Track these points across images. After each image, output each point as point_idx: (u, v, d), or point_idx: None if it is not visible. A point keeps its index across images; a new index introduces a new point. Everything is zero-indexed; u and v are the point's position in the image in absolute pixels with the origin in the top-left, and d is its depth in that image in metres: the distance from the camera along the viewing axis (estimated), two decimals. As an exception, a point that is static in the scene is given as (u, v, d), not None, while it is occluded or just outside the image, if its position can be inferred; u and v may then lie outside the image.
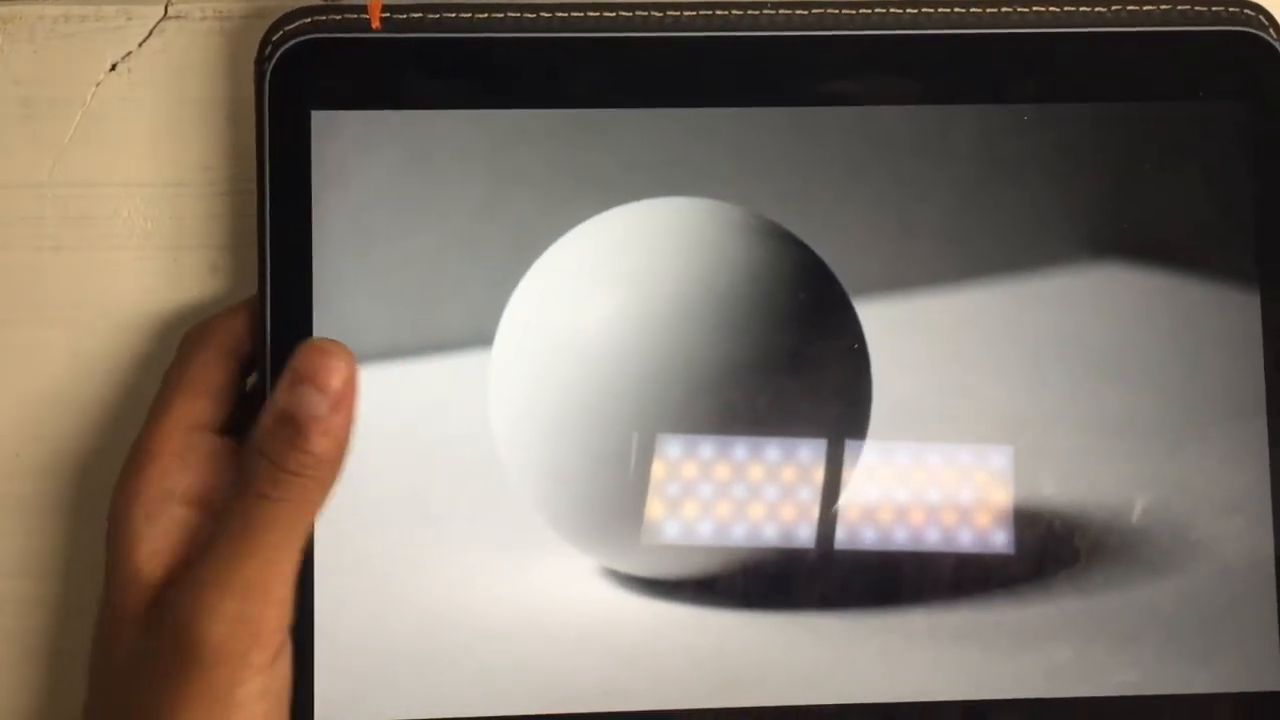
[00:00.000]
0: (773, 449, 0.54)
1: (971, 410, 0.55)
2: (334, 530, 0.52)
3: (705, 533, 0.54)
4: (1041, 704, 0.54)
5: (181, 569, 0.50)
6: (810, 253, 0.54)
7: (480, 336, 0.54)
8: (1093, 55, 0.55)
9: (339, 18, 0.53)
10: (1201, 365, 0.55)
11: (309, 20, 0.53)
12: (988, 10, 0.55)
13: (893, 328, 0.54)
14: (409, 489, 0.53)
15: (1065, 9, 0.55)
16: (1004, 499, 0.54)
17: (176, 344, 0.53)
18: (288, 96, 0.53)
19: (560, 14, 0.54)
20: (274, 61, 0.53)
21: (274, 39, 0.53)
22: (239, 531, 0.49)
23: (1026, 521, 0.54)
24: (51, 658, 0.55)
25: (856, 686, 0.53)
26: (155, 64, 0.55)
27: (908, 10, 0.54)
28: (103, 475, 0.53)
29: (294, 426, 0.49)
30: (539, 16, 0.54)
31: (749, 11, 0.54)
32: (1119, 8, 0.55)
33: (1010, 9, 0.55)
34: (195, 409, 0.52)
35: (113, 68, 0.55)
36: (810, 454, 0.54)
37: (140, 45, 0.55)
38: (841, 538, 0.54)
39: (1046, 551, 0.54)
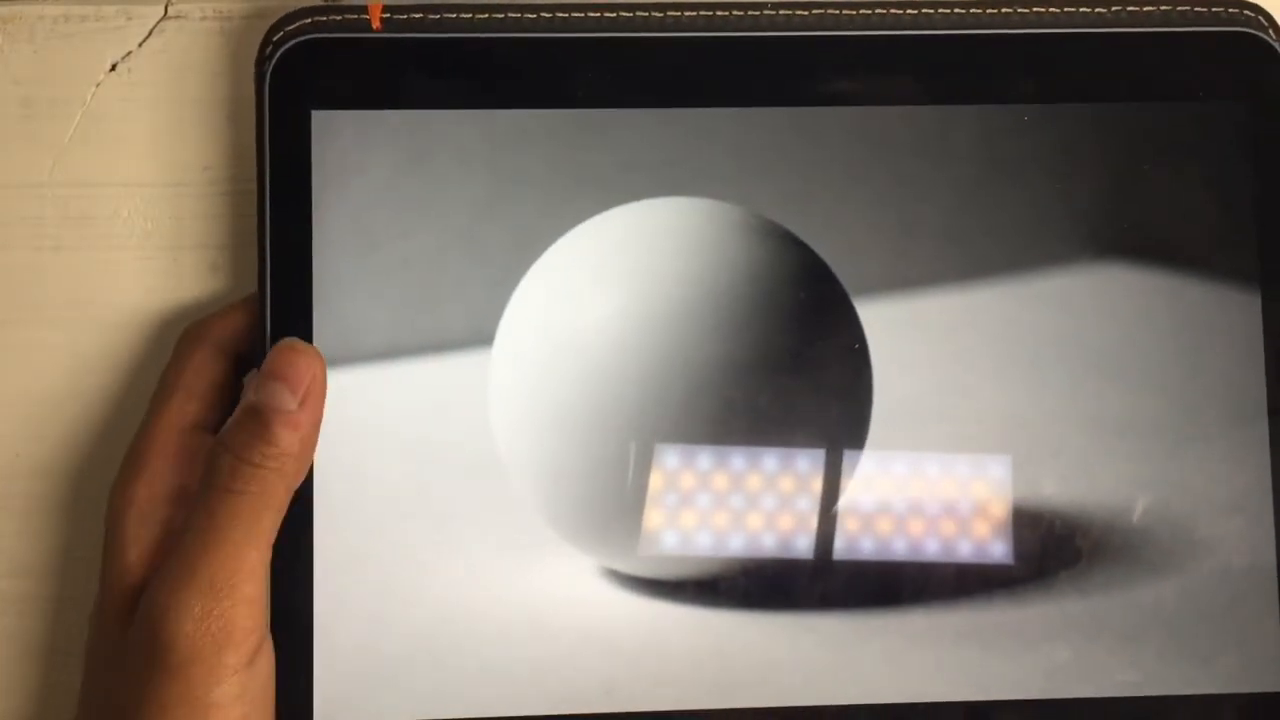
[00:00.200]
0: (770, 458, 0.54)
1: (971, 410, 0.54)
2: (334, 530, 0.52)
3: (704, 543, 0.54)
4: (1043, 705, 0.53)
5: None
6: (810, 253, 0.54)
7: (480, 336, 0.54)
8: (1093, 55, 0.55)
9: (339, 18, 0.53)
10: (1202, 365, 0.55)
11: (309, 20, 0.53)
12: (988, 10, 0.55)
13: (893, 328, 0.54)
14: (409, 489, 0.53)
15: (1065, 9, 0.55)
16: (1003, 506, 0.54)
17: (175, 343, 0.53)
18: (288, 96, 0.53)
19: (560, 14, 0.54)
20: (274, 61, 0.53)
21: (274, 39, 0.53)
22: (203, 527, 0.49)
23: (1027, 523, 0.54)
24: (51, 657, 0.55)
25: (858, 687, 0.53)
26: (155, 64, 0.55)
27: (908, 10, 0.54)
28: (102, 475, 0.53)
29: (260, 419, 0.50)
30: (539, 16, 0.54)
31: (749, 11, 0.54)
32: (1119, 8, 0.55)
33: (1010, 9, 0.55)
34: (190, 410, 0.52)
35: (113, 68, 0.55)
36: (808, 462, 0.54)
37: (140, 45, 0.55)
38: (841, 546, 0.54)
39: (1047, 552, 0.54)
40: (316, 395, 0.51)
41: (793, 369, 0.54)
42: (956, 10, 0.55)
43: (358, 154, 0.53)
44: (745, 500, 0.54)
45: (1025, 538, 0.54)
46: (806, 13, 0.54)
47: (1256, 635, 0.54)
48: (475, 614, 0.53)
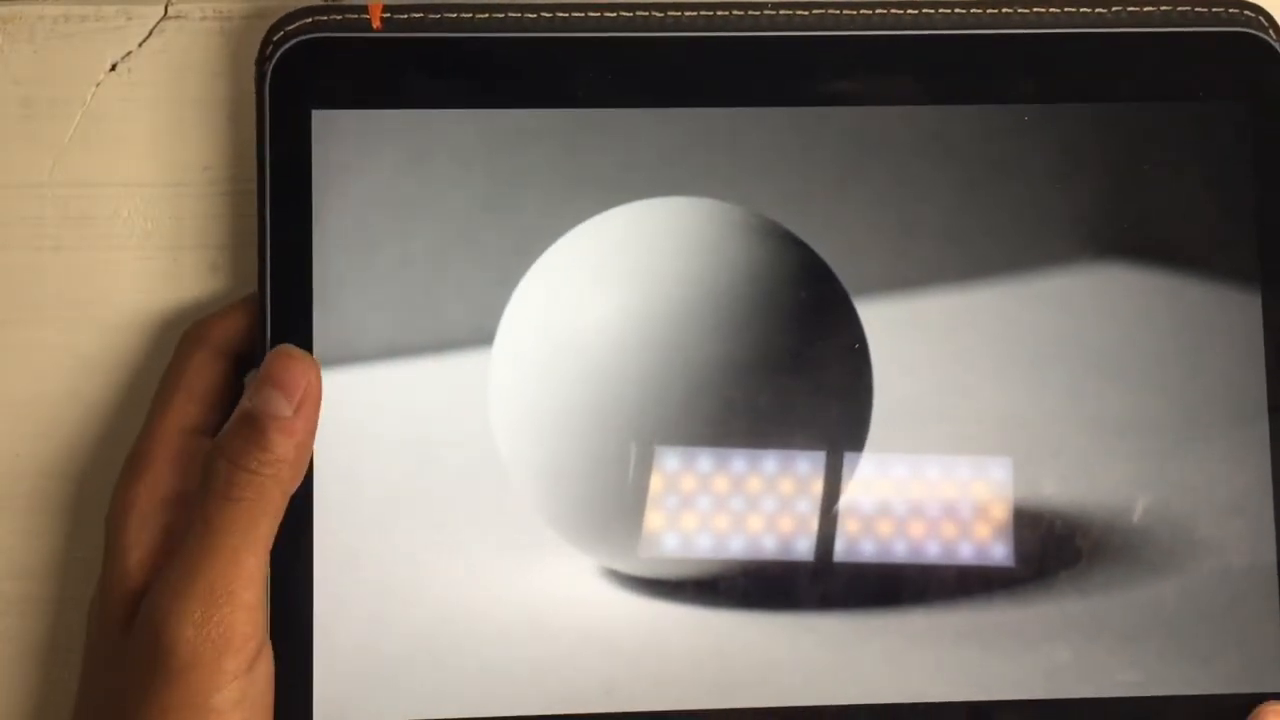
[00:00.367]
0: (770, 460, 0.54)
1: (972, 410, 0.54)
2: (334, 530, 0.52)
3: (704, 544, 0.54)
4: (1043, 705, 0.53)
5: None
6: (810, 252, 0.54)
7: (480, 336, 0.54)
8: (1093, 55, 0.55)
9: (339, 18, 0.53)
10: (1202, 366, 0.55)
11: (309, 20, 0.53)
12: (988, 10, 0.55)
13: (893, 327, 0.54)
14: (409, 489, 0.53)
15: (1065, 9, 0.55)
16: (1003, 508, 0.54)
17: (175, 344, 0.53)
18: (288, 96, 0.53)
19: (560, 14, 0.54)
20: (274, 61, 0.53)
21: (274, 39, 0.53)
22: (200, 535, 0.49)
23: (1027, 524, 0.54)
24: (51, 657, 0.55)
25: (858, 687, 0.53)
26: (155, 64, 0.55)
27: (908, 10, 0.54)
28: (102, 475, 0.53)
29: (255, 426, 0.50)
30: (539, 16, 0.54)
31: (749, 11, 0.54)
32: (1119, 8, 0.55)
33: (1010, 9, 0.55)
34: (191, 413, 0.52)
35: (113, 68, 0.55)
36: (808, 465, 0.54)
37: (140, 45, 0.55)
38: (841, 547, 0.54)
39: (1048, 552, 0.54)
40: (312, 401, 0.51)
41: (793, 369, 0.54)
42: (956, 10, 0.55)
43: (358, 154, 0.53)
44: (745, 502, 0.54)
45: (1025, 538, 0.54)
46: (806, 13, 0.54)
47: (1256, 635, 0.54)
48: (475, 614, 0.53)
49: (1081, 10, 0.55)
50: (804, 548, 0.54)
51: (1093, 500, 0.54)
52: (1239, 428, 0.54)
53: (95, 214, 0.55)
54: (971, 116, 0.55)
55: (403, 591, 0.53)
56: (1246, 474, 0.54)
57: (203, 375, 0.53)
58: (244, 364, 0.53)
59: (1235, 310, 0.55)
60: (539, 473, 0.53)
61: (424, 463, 0.53)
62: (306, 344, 0.52)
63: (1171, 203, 0.55)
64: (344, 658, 0.52)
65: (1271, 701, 0.53)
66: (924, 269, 0.55)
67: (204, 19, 0.55)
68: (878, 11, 0.54)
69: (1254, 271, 0.55)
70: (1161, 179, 0.55)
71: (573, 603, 0.53)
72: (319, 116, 0.53)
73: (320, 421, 0.52)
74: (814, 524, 0.54)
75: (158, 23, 0.55)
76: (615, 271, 0.54)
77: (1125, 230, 0.55)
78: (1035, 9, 0.55)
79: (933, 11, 0.54)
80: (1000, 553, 0.54)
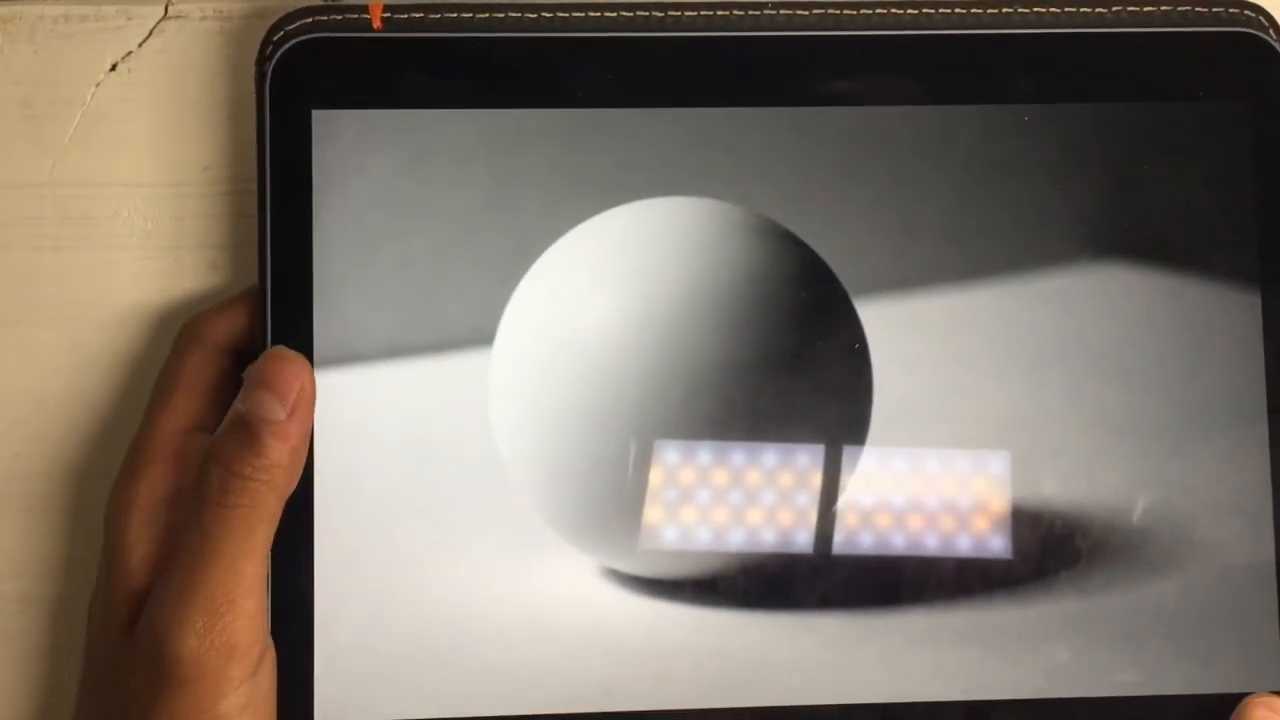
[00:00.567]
0: (770, 454, 0.54)
1: (971, 410, 0.54)
2: (334, 531, 0.52)
3: (704, 538, 0.54)
4: (1042, 704, 0.53)
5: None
6: (810, 252, 0.54)
7: (480, 336, 0.54)
8: (1093, 55, 0.55)
9: (339, 18, 0.53)
10: (1202, 366, 0.55)
11: (309, 20, 0.53)
12: (988, 10, 0.55)
13: (893, 327, 0.54)
14: (409, 489, 0.53)
15: (1065, 9, 0.55)
16: (1002, 503, 0.54)
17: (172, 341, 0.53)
18: (288, 96, 0.53)
19: (560, 14, 0.54)
20: (274, 61, 0.53)
21: (274, 39, 0.53)
22: (197, 543, 0.49)
23: (1026, 523, 0.54)
24: (51, 657, 0.55)
25: (857, 687, 0.53)
26: (155, 64, 0.55)
27: (908, 10, 0.54)
28: (103, 476, 0.53)
29: (248, 430, 0.49)
30: (539, 16, 0.54)
31: (749, 11, 0.54)
32: (1119, 8, 0.55)
33: (1010, 9, 0.55)
34: (190, 411, 0.52)
35: (113, 68, 0.55)
36: (808, 459, 0.54)
37: (140, 45, 0.55)
38: (841, 544, 0.54)
39: (1047, 552, 0.54)
40: (305, 404, 0.50)
41: (793, 369, 0.54)
42: (956, 10, 0.55)
43: (358, 154, 0.53)
44: (745, 496, 0.54)
45: (1025, 536, 0.54)
46: (806, 13, 0.54)
47: (1256, 635, 0.54)
48: (475, 614, 0.53)
49: (1081, 10, 0.55)
50: (803, 542, 0.54)
51: (1092, 500, 0.54)
52: (1239, 428, 0.55)
53: (95, 214, 0.55)
54: (971, 116, 0.55)
55: (403, 591, 0.53)
56: (1246, 474, 0.54)
57: (201, 372, 0.52)
58: (243, 360, 0.53)
59: (1235, 310, 0.55)
60: (539, 473, 0.53)
61: (424, 463, 0.53)
62: (307, 344, 0.52)
63: (1171, 203, 0.55)
64: (344, 658, 0.52)
65: (1256, 695, 0.53)
66: (924, 269, 0.55)
67: (204, 19, 0.55)
68: (878, 11, 0.54)
69: (1254, 271, 0.55)
70: (1161, 179, 0.55)
71: (573, 603, 0.53)
72: (319, 116, 0.53)
73: (320, 422, 0.52)
74: (813, 519, 0.54)
75: (158, 23, 0.55)
76: (615, 271, 0.54)
77: (1125, 230, 0.55)
78: (1035, 9, 0.55)
79: (933, 11, 0.54)
80: (998, 545, 0.54)
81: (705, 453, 0.53)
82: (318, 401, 0.51)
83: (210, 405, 0.52)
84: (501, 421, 0.54)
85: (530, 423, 0.53)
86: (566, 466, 0.53)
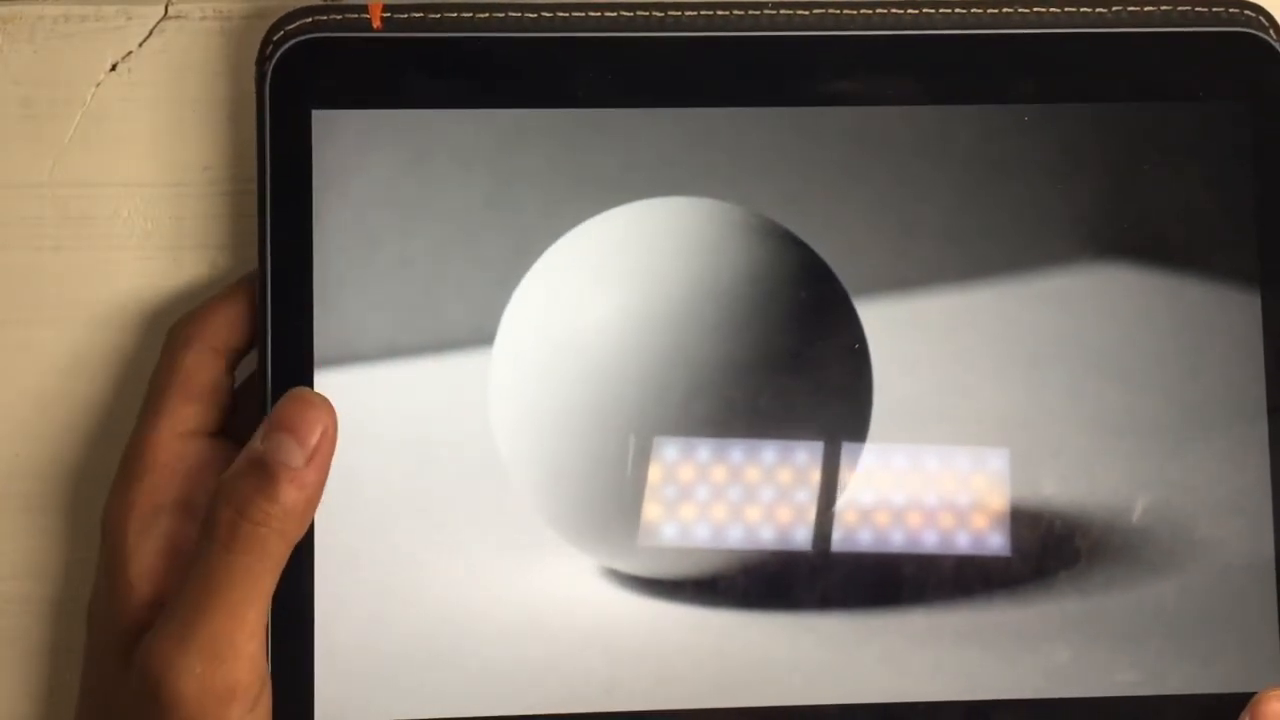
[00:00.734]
0: (770, 451, 0.54)
1: (971, 410, 0.54)
2: (334, 530, 0.52)
3: (703, 535, 0.54)
4: (1042, 704, 0.53)
5: (172, 587, 0.49)
6: (810, 252, 0.54)
7: (480, 336, 0.54)
8: (1093, 55, 0.55)
9: (339, 17, 0.53)
10: (1202, 365, 0.55)
11: (309, 20, 0.53)
12: (988, 10, 0.55)
13: (893, 328, 0.54)
14: (409, 489, 0.53)
15: (1065, 9, 0.55)
16: (1001, 501, 0.54)
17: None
18: (288, 96, 0.53)
19: (560, 14, 0.54)
20: (274, 61, 0.53)
21: (274, 39, 0.53)
22: (200, 588, 0.48)
23: (1026, 523, 0.54)
24: (51, 658, 0.55)
25: (857, 686, 0.53)
26: (155, 64, 0.55)
27: (908, 10, 0.54)
28: (102, 476, 0.53)
29: (265, 473, 0.48)
30: (539, 16, 0.54)
31: (749, 11, 0.54)
32: (1119, 8, 0.55)
33: (1010, 9, 0.55)
34: (186, 414, 0.51)
35: (113, 68, 0.55)
36: (808, 456, 0.54)
37: (140, 45, 0.55)
38: (840, 544, 0.54)
39: (1047, 552, 0.54)
40: (325, 452, 0.49)
41: (793, 369, 0.54)
42: (956, 10, 0.55)
43: (358, 154, 0.53)
44: (744, 493, 0.54)
45: (1025, 536, 0.54)
46: (806, 13, 0.54)
47: (1256, 635, 0.54)
48: (475, 614, 0.53)
49: (1081, 10, 0.55)
50: (802, 540, 0.54)
51: (1092, 500, 0.54)
52: (1239, 428, 0.55)
53: (95, 214, 0.55)
54: (971, 116, 0.55)
55: (403, 591, 0.53)
56: (1246, 474, 0.54)
57: (196, 374, 0.52)
58: (236, 359, 0.53)
59: (1235, 310, 0.55)
60: (539, 473, 0.53)
61: (424, 463, 0.53)
62: (306, 344, 0.52)
63: (1171, 203, 0.55)
64: (344, 658, 0.52)
65: (1272, 687, 0.53)
66: (924, 269, 0.55)
67: (204, 19, 0.55)
68: (878, 11, 0.54)
69: (1254, 271, 0.55)
70: (1161, 179, 0.55)
71: (573, 602, 0.53)
72: (319, 116, 0.53)
73: (320, 422, 0.51)
74: (812, 519, 0.54)
75: (158, 23, 0.55)
76: (615, 271, 0.54)
77: (1125, 230, 0.55)
78: (1035, 9, 0.55)
79: (933, 11, 0.54)
80: (997, 542, 0.54)
81: (704, 450, 0.53)
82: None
83: (208, 407, 0.52)
84: (501, 421, 0.54)
85: (530, 423, 0.53)
86: (566, 466, 0.53)
